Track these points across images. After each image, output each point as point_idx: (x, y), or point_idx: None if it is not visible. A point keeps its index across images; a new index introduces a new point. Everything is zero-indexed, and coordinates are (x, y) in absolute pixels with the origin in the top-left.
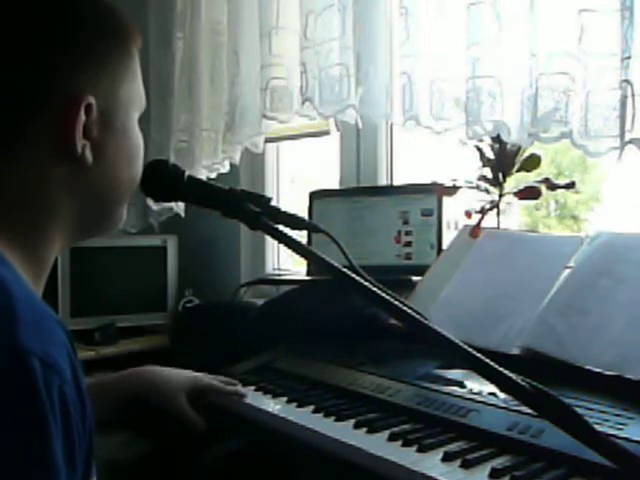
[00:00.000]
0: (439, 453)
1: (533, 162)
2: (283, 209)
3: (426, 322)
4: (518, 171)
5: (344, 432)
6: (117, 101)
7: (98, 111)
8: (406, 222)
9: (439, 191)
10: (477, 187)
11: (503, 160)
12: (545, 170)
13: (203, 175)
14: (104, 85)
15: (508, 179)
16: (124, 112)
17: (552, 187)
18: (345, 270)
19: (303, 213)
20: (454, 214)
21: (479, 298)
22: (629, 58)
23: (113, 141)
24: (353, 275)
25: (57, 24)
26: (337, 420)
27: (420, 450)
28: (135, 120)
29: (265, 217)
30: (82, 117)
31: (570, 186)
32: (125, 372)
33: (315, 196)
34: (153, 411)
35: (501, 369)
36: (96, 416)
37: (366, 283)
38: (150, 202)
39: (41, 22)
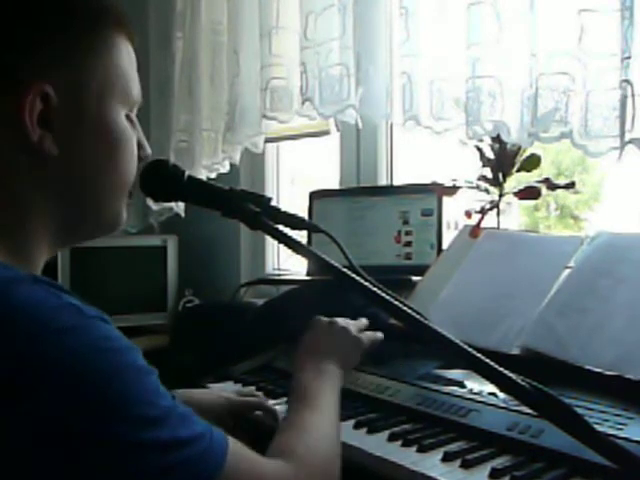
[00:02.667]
0: (439, 453)
1: (533, 162)
2: (283, 209)
3: (426, 322)
4: (518, 171)
5: (344, 432)
6: (87, 92)
7: (61, 101)
8: (406, 222)
9: (439, 191)
10: (477, 187)
11: (503, 160)
12: (545, 170)
13: (203, 175)
14: (66, 74)
15: (508, 179)
16: (98, 103)
17: (552, 187)
18: (345, 270)
19: (303, 213)
20: (454, 214)
21: (479, 298)
22: (629, 58)
23: (86, 134)
24: (353, 275)
25: (16, 7)
26: None
27: (420, 450)
28: (115, 111)
29: (265, 217)
30: (37, 105)
31: (570, 186)
32: None
33: (315, 196)
34: None
35: (501, 369)
36: None
37: (366, 283)
38: (150, 202)
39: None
